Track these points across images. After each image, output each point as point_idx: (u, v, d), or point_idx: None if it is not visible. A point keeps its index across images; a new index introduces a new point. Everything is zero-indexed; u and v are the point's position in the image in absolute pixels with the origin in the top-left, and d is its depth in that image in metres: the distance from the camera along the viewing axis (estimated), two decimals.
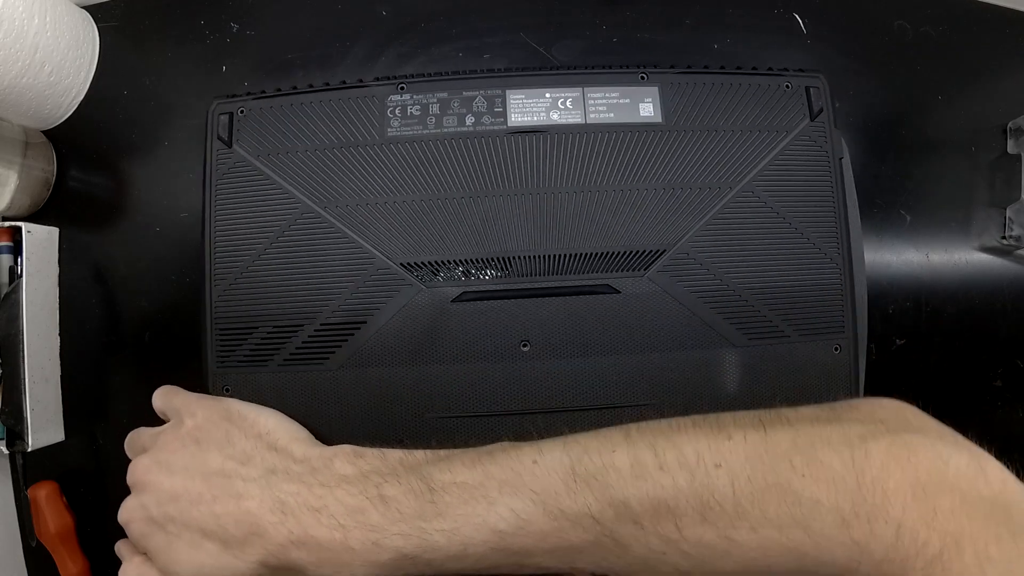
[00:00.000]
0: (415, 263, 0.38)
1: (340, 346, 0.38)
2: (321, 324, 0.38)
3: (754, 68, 0.40)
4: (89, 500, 0.47)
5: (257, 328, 0.38)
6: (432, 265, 0.38)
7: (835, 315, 0.39)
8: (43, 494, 0.45)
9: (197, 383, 0.46)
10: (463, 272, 0.38)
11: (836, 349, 0.39)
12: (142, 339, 0.47)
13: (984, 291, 0.48)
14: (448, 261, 0.38)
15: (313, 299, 0.38)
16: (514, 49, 0.47)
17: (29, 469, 0.46)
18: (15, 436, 0.43)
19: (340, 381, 0.37)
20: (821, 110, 0.40)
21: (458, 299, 0.37)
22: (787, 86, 0.40)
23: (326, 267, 0.38)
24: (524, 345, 0.38)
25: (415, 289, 0.37)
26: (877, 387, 0.47)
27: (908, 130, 0.49)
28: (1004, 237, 0.48)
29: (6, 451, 0.44)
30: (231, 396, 0.38)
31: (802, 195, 0.39)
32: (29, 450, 0.43)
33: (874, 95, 0.49)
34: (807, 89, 0.40)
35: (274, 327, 0.38)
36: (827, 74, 0.40)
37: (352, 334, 0.37)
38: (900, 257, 0.48)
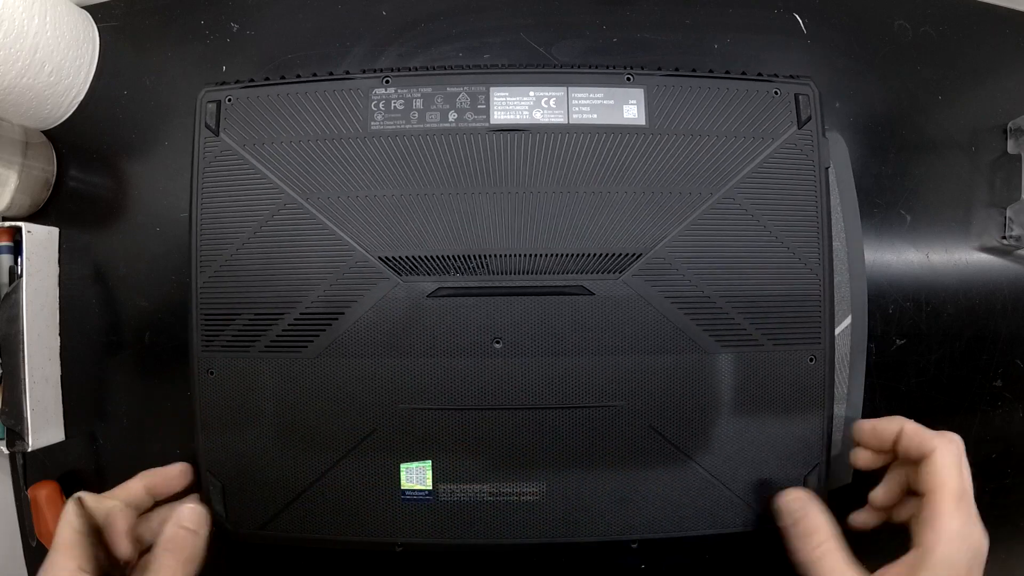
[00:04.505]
0: (393, 257, 0.38)
1: (318, 335, 0.38)
2: (301, 313, 0.38)
3: (743, 73, 0.40)
4: None
5: (240, 314, 0.38)
6: (409, 260, 0.38)
7: (812, 325, 0.38)
8: (43, 494, 0.45)
9: None
10: (439, 268, 0.38)
11: (811, 360, 0.38)
12: (142, 339, 0.47)
13: (984, 291, 0.48)
14: (425, 256, 0.38)
15: (294, 288, 0.38)
16: (514, 49, 0.47)
17: (29, 469, 0.46)
18: (15, 436, 0.43)
19: (318, 369, 0.38)
20: (809, 118, 0.39)
21: (434, 294, 0.38)
22: (776, 92, 0.39)
23: (307, 258, 0.38)
24: (497, 342, 0.38)
25: (392, 283, 0.38)
26: (877, 387, 0.47)
27: (908, 130, 0.49)
28: (1004, 237, 0.48)
29: (6, 451, 0.44)
30: (214, 379, 0.38)
31: (784, 203, 0.39)
32: (29, 450, 0.43)
33: (874, 95, 0.49)
34: (796, 96, 0.39)
35: (256, 314, 0.38)
36: (827, 74, 0.40)
37: (330, 324, 0.38)
38: (900, 257, 0.48)
